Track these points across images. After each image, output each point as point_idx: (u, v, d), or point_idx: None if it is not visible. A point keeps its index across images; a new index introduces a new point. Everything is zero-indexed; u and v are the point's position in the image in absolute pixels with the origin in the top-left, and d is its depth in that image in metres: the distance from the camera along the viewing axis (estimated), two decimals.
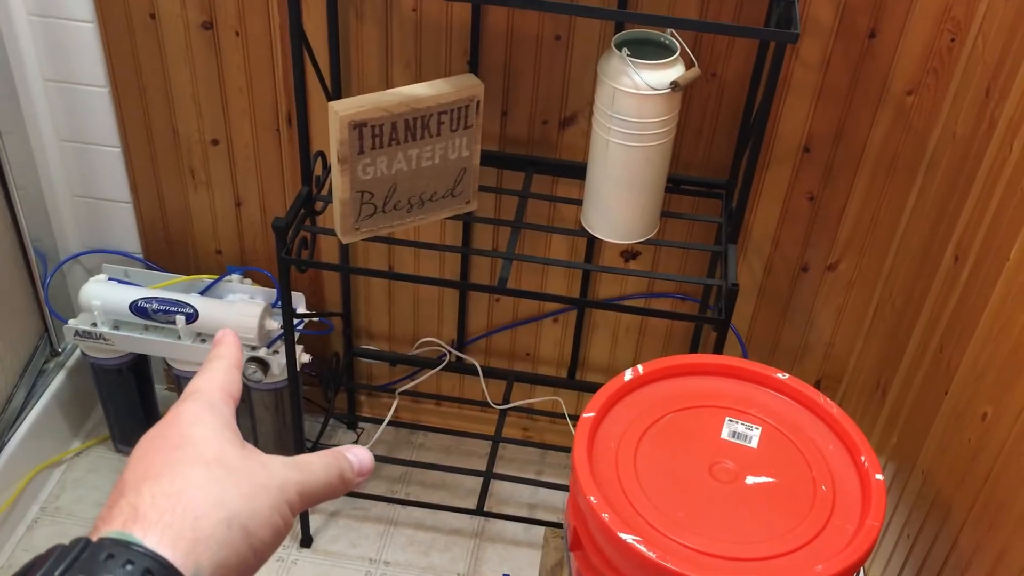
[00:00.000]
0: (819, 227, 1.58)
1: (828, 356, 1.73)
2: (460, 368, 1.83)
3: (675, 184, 1.52)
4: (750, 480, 1.02)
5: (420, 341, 1.83)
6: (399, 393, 1.88)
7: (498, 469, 1.80)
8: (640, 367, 1.13)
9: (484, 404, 1.85)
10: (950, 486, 1.21)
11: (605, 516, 0.95)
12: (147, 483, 0.42)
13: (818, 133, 1.49)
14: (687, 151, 1.53)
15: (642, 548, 0.93)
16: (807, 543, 0.96)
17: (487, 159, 1.51)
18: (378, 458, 1.82)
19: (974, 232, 1.26)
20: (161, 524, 0.40)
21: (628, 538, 0.94)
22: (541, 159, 1.56)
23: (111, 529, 0.40)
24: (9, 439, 1.70)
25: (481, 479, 1.70)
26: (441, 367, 1.82)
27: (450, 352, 1.82)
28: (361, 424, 1.94)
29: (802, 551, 0.95)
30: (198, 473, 0.42)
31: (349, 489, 0.49)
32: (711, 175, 1.54)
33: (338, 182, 1.33)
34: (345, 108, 1.27)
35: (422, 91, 1.32)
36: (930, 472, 1.29)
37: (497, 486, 1.84)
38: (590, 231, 1.41)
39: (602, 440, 1.06)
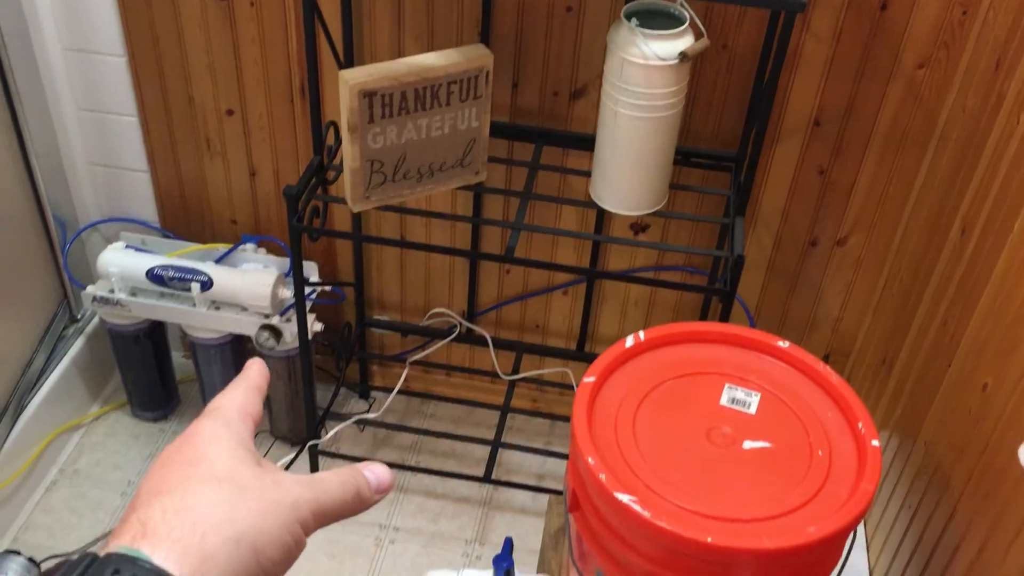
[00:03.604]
0: (829, 201, 1.58)
1: (836, 331, 1.74)
2: (470, 339, 1.85)
3: (685, 157, 1.52)
4: (747, 445, 1.04)
5: (431, 312, 1.85)
6: (410, 363, 1.90)
7: (507, 439, 1.82)
8: (642, 333, 1.14)
9: (494, 375, 1.87)
10: (950, 457, 1.22)
11: (602, 476, 0.97)
12: (158, 498, 0.42)
13: (829, 107, 1.49)
14: (697, 123, 1.54)
15: (637, 508, 0.94)
16: (801, 505, 0.97)
17: (498, 130, 1.52)
18: (389, 426, 1.85)
19: (980, 205, 1.26)
20: (170, 540, 0.40)
21: (623, 498, 0.95)
22: (551, 131, 1.57)
23: (120, 544, 0.40)
24: (29, 402, 1.74)
25: (490, 448, 1.72)
26: (452, 338, 1.84)
27: (461, 323, 1.84)
28: (372, 393, 1.97)
29: (796, 513, 0.96)
30: (209, 490, 0.43)
31: (366, 507, 0.48)
32: (721, 148, 1.55)
33: (348, 151, 1.34)
34: (355, 77, 1.29)
35: (432, 60, 1.33)
36: (932, 443, 1.30)
37: (506, 456, 1.86)
38: (598, 202, 1.42)
39: (602, 404, 1.08)
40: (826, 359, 1.76)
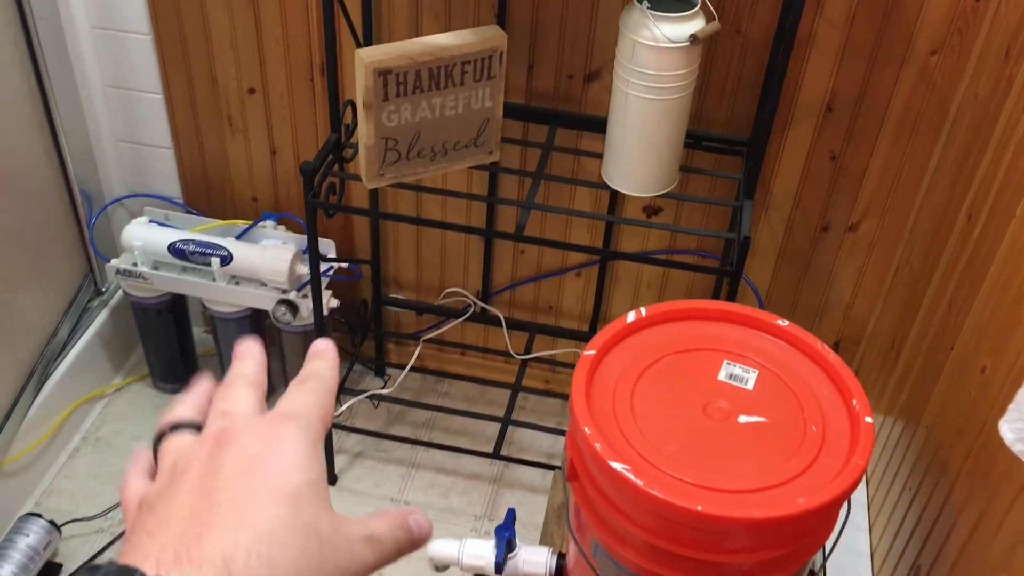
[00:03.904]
0: (841, 187, 1.59)
1: (847, 317, 1.74)
2: (484, 319, 1.88)
3: (697, 141, 1.54)
4: (743, 419, 1.05)
5: (446, 291, 1.88)
6: (424, 341, 1.93)
7: (520, 419, 1.85)
8: (643, 309, 1.16)
9: (507, 355, 1.89)
10: (949, 439, 1.23)
11: (597, 445, 0.99)
12: (242, 532, 0.38)
13: (841, 92, 1.50)
14: (711, 108, 1.55)
15: (630, 476, 0.96)
16: (793, 478, 0.99)
17: (513, 112, 1.55)
18: (403, 403, 1.88)
19: (987, 191, 1.27)
20: None
21: (618, 467, 0.97)
22: (565, 113, 1.59)
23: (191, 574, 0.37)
24: (54, 371, 1.79)
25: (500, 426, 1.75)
26: (466, 317, 1.86)
27: (475, 303, 1.86)
28: (388, 370, 2.00)
29: (787, 485, 0.98)
30: (296, 543, 0.39)
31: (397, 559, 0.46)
32: (734, 132, 1.56)
33: (363, 128, 1.37)
34: (371, 55, 1.32)
35: (446, 40, 1.36)
36: (933, 427, 1.31)
37: (517, 434, 1.89)
38: (608, 183, 1.44)
39: (601, 378, 1.10)
40: (836, 346, 1.77)
